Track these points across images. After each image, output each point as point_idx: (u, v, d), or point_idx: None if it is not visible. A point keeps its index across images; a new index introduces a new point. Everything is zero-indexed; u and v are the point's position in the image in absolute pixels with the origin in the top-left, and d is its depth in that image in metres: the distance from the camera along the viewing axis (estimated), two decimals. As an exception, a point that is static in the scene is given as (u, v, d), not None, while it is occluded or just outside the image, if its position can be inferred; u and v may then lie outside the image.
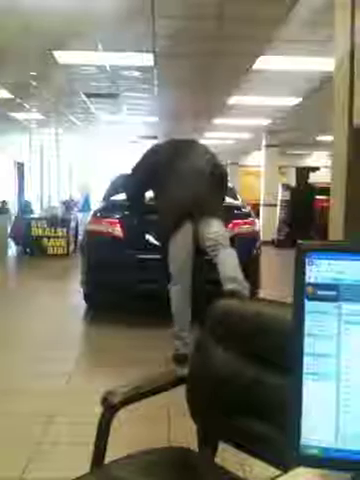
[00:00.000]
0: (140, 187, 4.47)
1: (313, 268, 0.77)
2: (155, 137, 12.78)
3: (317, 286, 0.77)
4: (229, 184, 5.08)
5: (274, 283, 6.13)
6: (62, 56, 6.29)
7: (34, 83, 7.72)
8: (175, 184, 4.17)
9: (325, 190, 7.07)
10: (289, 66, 6.48)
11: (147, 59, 6.30)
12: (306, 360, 0.77)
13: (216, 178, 4.38)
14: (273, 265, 8.65)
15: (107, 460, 1.44)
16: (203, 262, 4.19)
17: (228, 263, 3.98)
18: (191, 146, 4.49)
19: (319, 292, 0.77)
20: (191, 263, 4.11)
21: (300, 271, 0.78)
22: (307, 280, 0.77)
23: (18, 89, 8.29)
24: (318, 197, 11.97)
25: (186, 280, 4.07)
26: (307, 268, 0.77)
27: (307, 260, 0.78)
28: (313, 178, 12.87)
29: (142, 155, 4.50)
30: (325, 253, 0.77)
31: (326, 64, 5.45)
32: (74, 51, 6.16)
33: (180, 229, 4.04)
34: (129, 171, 4.59)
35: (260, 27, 5.11)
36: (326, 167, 12.27)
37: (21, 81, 7.66)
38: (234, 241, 5.00)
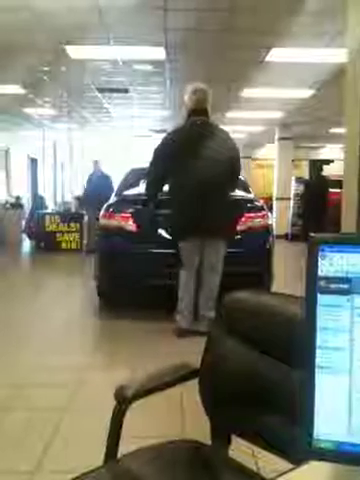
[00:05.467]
0: (162, 178, 4.44)
1: (325, 261, 0.77)
2: (166, 131, 12.75)
3: (329, 279, 0.76)
4: (241, 177, 5.06)
5: (287, 277, 6.11)
6: (74, 51, 6.30)
7: (47, 78, 7.74)
8: (188, 184, 4.27)
9: (339, 183, 7.01)
10: (302, 58, 6.43)
11: (159, 53, 6.28)
12: (318, 353, 0.76)
13: (231, 179, 4.46)
14: (286, 259, 8.61)
15: (120, 453, 1.45)
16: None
17: (209, 293, 4.43)
18: (211, 134, 4.39)
19: (331, 285, 0.76)
20: (199, 259, 4.46)
21: (312, 264, 0.77)
22: (319, 273, 0.77)
23: (31, 85, 8.32)
24: (332, 190, 11.89)
25: (192, 266, 4.44)
26: (319, 261, 0.77)
27: (319, 253, 0.77)
28: (327, 171, 12.78)
29: (161, 142, 4.48)
30: (337, 246, 0.77)
31: (339, 56, 5.41)
32: (86, 46, 6.17)
33: (189, 238, 4.40)
34: (148, 163, 4.52)
35: (273, 19, 5.07)
36: (340, 160, 12.17)
37: (34, 76, 7.69)
38: (247, 234, 5.02)
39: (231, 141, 4.52)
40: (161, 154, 4.39)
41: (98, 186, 9.46)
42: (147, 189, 4.60)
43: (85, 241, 9.70)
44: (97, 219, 9.03)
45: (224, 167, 4.29)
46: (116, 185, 6.48)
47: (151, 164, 4.49)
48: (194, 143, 4.29)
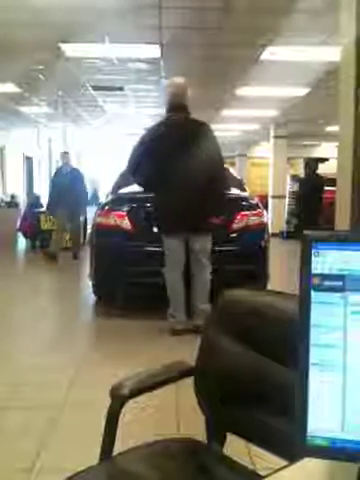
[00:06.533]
0: (148, 176, 4.39)
1: (319, 258, 0.77)
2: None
3: (323, 277, 0.77)
4: (236, 175, 5.06)
5: (282, 275, 6.13)
6: (69, 49, 6.28)
7: (41, 76, 7.72)
8: (168, 181, 4.24)
9: (334, 181, 7.02)
10: (297, 56, 6.43)
11: (154, 51, 6.28)
12: (312, 351, 0.76)
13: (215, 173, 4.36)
14: (281, 257, 8.62)
15: (116, 451, 1.45)
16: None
17: (201, 287, 4.42)
18: (189, 130, 4.32)
19: (325, 283, 0.76)
20: (185, 256, 4.44)
21: (306, 261, 0.77)
22: (313, 271, 0.77)
23: (26, 83, 8.29)
24: (327, 188, 11.90)
25: (179, 266, 4.42)
26: (313, 259, 0.77)
27: (313, 250, 0.77)
28: (322, 169, 12.78)
29: (138, 142, 4.41)
30: (331, 243, 0.77)
31: (334, 54, 5.42)
32: (81, 44, 6.15)
33: (173, 234, 4.39)
34: (128, 163, 4.45)
35: (267, 17, 5.07)
36: (335, 158, 12.15)
37: (28, 75, 7.67)
38: (242, 232, 5.03)
39: (211, 135, 4.40)
40: (140, 154, 4.33)
41: (68, 183, 8.45)
42: (144, 189, 4.61)
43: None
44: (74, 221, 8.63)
45: (204, 162, 4.21)
46: (100, 184, 6.43)
47: (130, 165, 4.42)
48: (171, 140, 4.24)
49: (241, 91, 8.84)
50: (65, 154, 9.14)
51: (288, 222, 12.69)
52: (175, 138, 4.25)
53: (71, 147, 14.72)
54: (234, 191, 5.31)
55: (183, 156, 4.19)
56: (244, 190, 5.80)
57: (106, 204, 5.40)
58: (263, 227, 5.33)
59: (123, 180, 5.94)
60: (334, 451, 0.77)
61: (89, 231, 7.21)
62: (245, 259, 4.88)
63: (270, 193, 13.47)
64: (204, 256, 4.45)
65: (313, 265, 0.77)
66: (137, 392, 1.46)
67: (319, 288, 0.76)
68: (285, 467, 0.87)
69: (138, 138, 4.48)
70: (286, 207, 12.87)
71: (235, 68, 7.29)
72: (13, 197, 12.11)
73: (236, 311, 1.48)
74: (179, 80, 4.46)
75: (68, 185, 8.42)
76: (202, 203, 4.27)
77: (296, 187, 12.76)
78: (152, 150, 4.28)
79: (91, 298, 5.64)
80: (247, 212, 5.16)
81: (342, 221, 3.01)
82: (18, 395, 3.28)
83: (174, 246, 4.42)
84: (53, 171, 17.26)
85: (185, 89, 4.39)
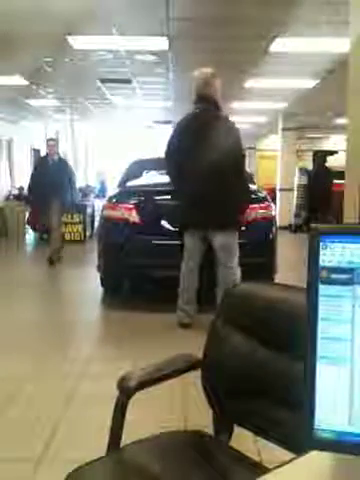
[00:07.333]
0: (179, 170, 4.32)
1: (327, 251, 0.76)
2: (170, 122, 12.72)
3: (331, 270, 0.76)
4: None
5: (290, 269, 6.11)
6: (77, 41, 6.27)
7: (49, 69, 7.71)
8: (188, 175, 4.20)
9: (343, 174, 6.97)
10: (306, 48, 6.38)
11: (162, 43, 6.25)
12: (320, 344, 0.76)
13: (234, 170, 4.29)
14: (290, 250, 8.60)
15: (123, 442, 1.46)
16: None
17: (223, 285, 4.23)
18: (210, 124, 4.26)
19: (333, 276, 0.76)
20: (201, 252, 4.40)
21: (314, 255, 0.77)
22: (321, 264, 0.76)
23: (33, 75, 8.29)
24: (336, 181, 11.83)
25: (194, 261, 4.40)
26: (321, 252, 0.77)
27: (321, 244, 0.77)
28: (331, 162, 12.71)
29: (170, 134, 4.40)
30: (339, 236, 0.76)
31: (343, 45, 5.37)
32: (89, 36, 6.13)
33: (190, 229, 4.36)
34: (164, 152, 4.44)
35: (276, 9, 5.03)
36: (344, 150, 12.07)
37: (36, 67, 7.66)
38: (250, 225, 5.01)
39: (231, 128, 4.33)
40: (170, 147, 4.33)
41: (53, 176, 7.41)
42: (173, 185, 4.52)
43: (54, 246, 7.82)
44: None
45: (224, 157, 4.16)
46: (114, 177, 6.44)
47: (165, 159, 4.43)
48: (189, 133, 4.21)
49: (250, 83, 8.79)
50: (50, 141, 7.88)
51: (296, 215, 12.64)
52: (193, 131, 4.21)
53: (79, 140, 14.73)
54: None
55: (200, 150, 4.15)
56: (253, 183, 5.78)
57: (114, 197, 5.40)
58: (271, 220, 5.31)
59: (131, 173, 5.95)
60: (341, 444, 0.76)
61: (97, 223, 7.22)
62: (253, 252, 4.86)
63: (278, 186, 13.41)
64: (226, 253, 4.31)
65: (321, 258, 0.76)
66: (144, 385, 1.47)
67: (327, 281, 0.76)
68: (292, 460, 0.87)
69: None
70: (294, 200, 12.82)
71: (244, 60, 7.24)
72: (21, 189, 12.12)
73: (243, 304, 1.48)
74: (204, 70, 4.35)
75: (53, 178, 7.40)
76: (220, 198, 4.18)
77: (304, 180, 12.70)
78: (174, 145, 4.28)
79: (98, 290, 5.65)
80: (255, 205, 5.13)
81: (350, 214, 2.99)
82: (26, 388, 3.30)
83: (189, 241, 4.38)
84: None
85: (209, 80, 4.29)
